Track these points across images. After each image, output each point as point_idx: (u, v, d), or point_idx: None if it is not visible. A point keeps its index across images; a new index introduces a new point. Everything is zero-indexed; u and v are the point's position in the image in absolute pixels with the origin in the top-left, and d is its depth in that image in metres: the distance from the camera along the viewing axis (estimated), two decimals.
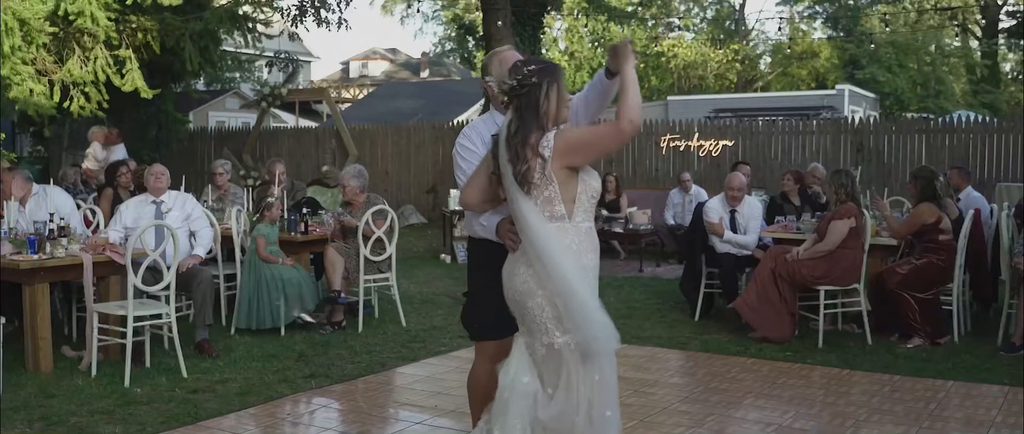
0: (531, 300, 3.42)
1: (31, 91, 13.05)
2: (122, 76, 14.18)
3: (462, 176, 3.86)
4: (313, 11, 17.33)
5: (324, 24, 17.58)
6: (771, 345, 6.92)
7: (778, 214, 9.16)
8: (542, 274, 3.38)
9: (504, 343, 4.13)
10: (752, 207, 8.10)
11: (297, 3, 17.45)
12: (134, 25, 14.30)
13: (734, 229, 8.00)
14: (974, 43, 34.27)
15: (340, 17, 17.65)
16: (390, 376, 6.20)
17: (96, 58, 13.96)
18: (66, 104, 13.83)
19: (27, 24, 12.65)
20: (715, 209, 8.06)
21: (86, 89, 13.91)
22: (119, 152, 13.11)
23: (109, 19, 13.66)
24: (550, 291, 3.37)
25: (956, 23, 33.53)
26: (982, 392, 5.70)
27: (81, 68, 13.85)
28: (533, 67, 3.43)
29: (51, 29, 13.06)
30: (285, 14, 17.41)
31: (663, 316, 8.24)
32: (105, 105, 14.19)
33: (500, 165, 3.42)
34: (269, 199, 7.64)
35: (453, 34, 33.19)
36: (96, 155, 13.15)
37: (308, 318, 7.30)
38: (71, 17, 13.34)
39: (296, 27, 17.73)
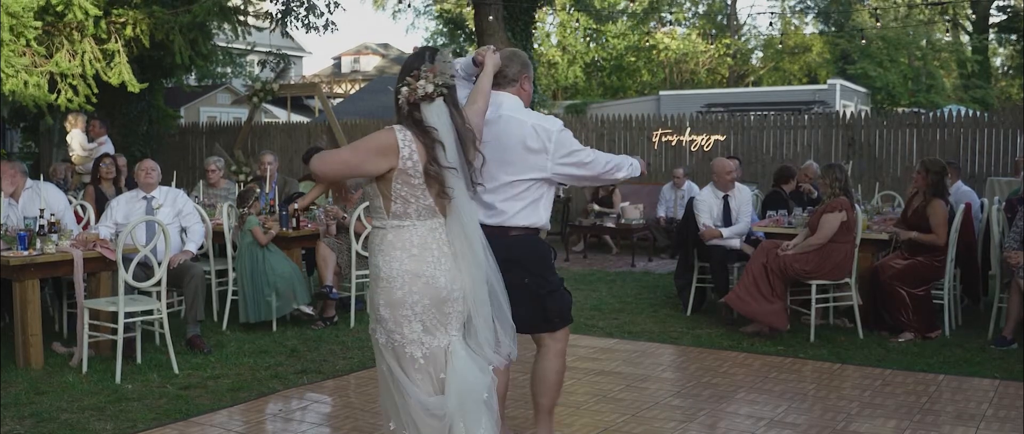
0: (461, 298, 3.42)
1: (25, 83, 12.96)
2: (111, 69, 14.10)
3: (601, 162, 4.07)
4: (303, 12, 17.36)
5: (313, 29, 17.65)
6: (763, 340, 6.93)
7: (778, 207, 8.97)
8: (466, 274, 3.38)
9: None
10: (742, 192, 8.11)
11: (283, 5, 17.47)
12: (123, 19, 14.24)
13: (727, 218, 7.97)
14: (965, 38, 34.34)
15: (327, 20, 17.70)
16: None
17: (84, 52, 13.90)
18: (54, 97, 13.75)
19: (15, 17, 12.57)
20: (706, 202, 8.00)
21: (73, 82, 13.83)
22: (106, 145, 12.95)
23: (97, 7, 13.57)
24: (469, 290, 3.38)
25: (947, 18, 33.60)
26: (973, 385, 5.72)
27: (69, 61, 13.78)
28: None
29: (37, 23, 12.96)
30: (273, 19, 17.43)
31: (655, 311, 8.25)
32: (94, 99, 14.11)
33: (453, 162, 3.29)
34: (253, 193, 7.62)
35: (444, 29, 33.07)
36: (84, 144, 12.91)
37: (307, 309, 7.28)
38: (59, 8, 13.27)
39: (285, 27, 17.74)
